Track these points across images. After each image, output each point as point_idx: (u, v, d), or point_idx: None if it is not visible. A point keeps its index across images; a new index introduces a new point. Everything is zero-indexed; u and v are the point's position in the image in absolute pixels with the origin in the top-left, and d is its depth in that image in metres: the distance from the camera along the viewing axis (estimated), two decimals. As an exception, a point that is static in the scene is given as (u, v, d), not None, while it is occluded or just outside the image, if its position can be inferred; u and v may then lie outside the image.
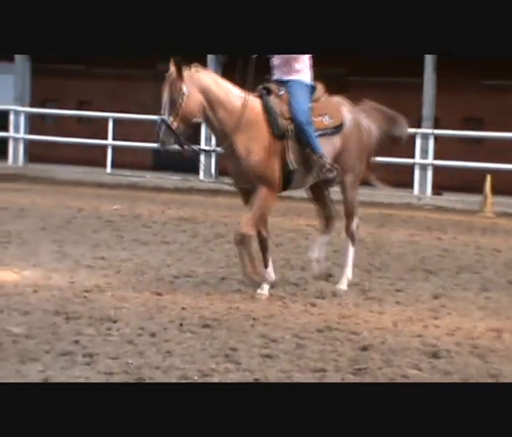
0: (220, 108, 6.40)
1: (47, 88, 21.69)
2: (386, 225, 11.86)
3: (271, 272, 6.70)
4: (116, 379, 4.02)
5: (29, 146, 20.38)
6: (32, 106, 20.58)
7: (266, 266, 6.70)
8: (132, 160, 19.77)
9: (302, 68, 6.72)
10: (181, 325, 5.28)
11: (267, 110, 6.55)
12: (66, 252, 8.06)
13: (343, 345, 5.00)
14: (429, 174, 16.86)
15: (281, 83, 6.71)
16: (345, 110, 6.94)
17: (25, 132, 19.85)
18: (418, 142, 16.81)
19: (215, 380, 4.14)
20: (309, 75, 6.80)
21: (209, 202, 13.77)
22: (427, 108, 17.22)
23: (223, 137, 6.56)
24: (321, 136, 6.70)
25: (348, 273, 6.95)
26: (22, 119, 19.77)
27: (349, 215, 7.08)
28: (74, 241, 8.94)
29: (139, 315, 5.56)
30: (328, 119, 6.76)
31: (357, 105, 7.22)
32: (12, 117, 19.72)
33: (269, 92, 6.64)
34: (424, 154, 16.82)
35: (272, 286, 6.63)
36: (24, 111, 19.84)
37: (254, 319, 5.62)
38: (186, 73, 6.25)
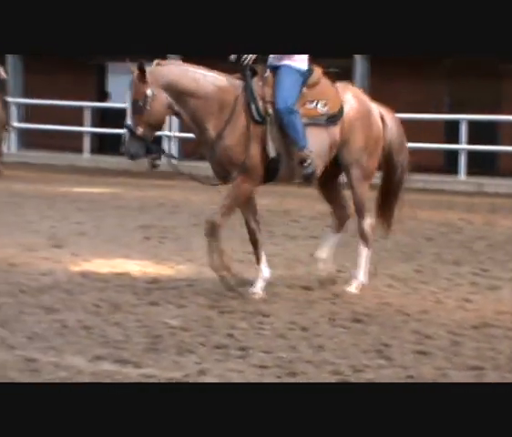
0: (191, 98, 5.98)
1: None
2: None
3: (264, 269, 6.16)
4: (269, 372, 4.15)
5: (182, 144, 20.86)
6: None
7: (258, 262, 6.19)
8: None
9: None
10: (333, 320, 5.34)
11: (247, 92, 6.04)
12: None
13: (501, 342, 4.87)
14: None
15: (273, 68, 6.18)
16: (348, 96, 6.33)
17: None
18: None
19: (368, 376, 4.17)
20: (305, 59, 6.22)
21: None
22: None
23: (199, 128, 6.07)
24: (311, 125, 6.13)
25: (360, 277, 6.33)
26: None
27: (358, 212, 6.43)
28: (225, 236, 9.15)
29: (291, 309, 5.68)
30: (322, 107, 6.15)
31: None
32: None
33: (254, 74, 6.12)
34: None
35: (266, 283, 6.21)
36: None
37: (406, 314, 5.59)
38: (149, 73, 5.88)
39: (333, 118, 6.14)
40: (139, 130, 5.81)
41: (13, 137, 20.03)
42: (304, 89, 6.11)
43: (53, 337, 4.94)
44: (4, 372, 4.16)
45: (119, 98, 21.15)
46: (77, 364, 4.38)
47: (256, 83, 6.07)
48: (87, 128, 20.71)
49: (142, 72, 5.78)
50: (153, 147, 6.01)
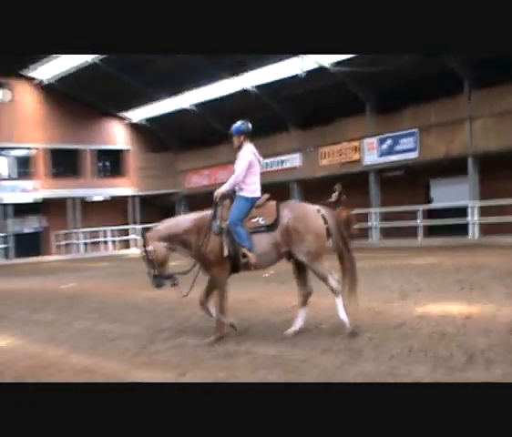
0: (178, 236, 8.35)
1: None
2: None
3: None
4: None
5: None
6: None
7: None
8: None
9: (245, 186, 8.25)
10: None
11: (212, 215, 8.23)
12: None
13: None
14: None
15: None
16: (285, 211, 8.10)
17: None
18: None
19: None
20: (253, 188, 8.26)
21: None
22: None
23: (188, 248, 8.40)
24: (255, 233, 8.06)
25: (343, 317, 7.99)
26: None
27: (323, 281, 8.10)
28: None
29: None
30: (261, 220, 8.08)
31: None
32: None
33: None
34: None
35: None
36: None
37: None
38: (148, 236, 8.38)
39: (270, 227, 8.07)
40: (155, 272, 8.33)
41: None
42: (253, 210, 8.18)
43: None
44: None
45: (439, 201, 27.90)
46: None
47: (219, 209, 8.28)
48: (419, 222, 26.78)
49: (145, 238, 8.40)
50: (168, 275, 8.41)
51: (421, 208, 27.40)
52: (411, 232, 27.01)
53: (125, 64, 32.01)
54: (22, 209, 38.12)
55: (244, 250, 8.06)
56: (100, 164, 41.84)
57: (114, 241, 40.14)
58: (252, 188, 8.35)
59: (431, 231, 28.14)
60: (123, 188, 41.36)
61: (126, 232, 40.87)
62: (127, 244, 40.78)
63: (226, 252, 8.11)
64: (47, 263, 33.94)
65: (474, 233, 25.25)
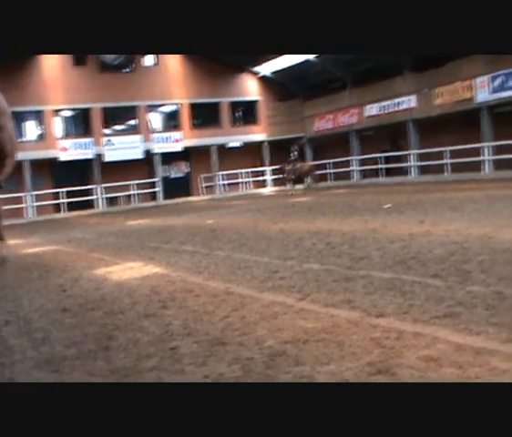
0: None
1: None
2: None
3: None
4: None
5: None
6: None
7: None
8: None
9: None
10: None
11: None
12: None
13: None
14: None
15: None
16: None
17: None
18: None
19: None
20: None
21: None
22: None
23: None
24: None
25: None
26: None
27: None
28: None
29: None
30: None
31: None
32: None
33: None
34: None
35: None
36: None
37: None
38: None
39: None
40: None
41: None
42: None
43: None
44: None
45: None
46: None
47: None
48: None
49: None
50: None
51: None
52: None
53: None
54: (169, 157, 40.03)
55: None
56: (235, 114, 42.79)
57: (248, 182, 41.25)
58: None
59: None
60: (255, 134, 42.13)
61: (259, 174, 41.99)
62: (260, 184, 41.86)
63: None
64: (193, 203, 35.39)
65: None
